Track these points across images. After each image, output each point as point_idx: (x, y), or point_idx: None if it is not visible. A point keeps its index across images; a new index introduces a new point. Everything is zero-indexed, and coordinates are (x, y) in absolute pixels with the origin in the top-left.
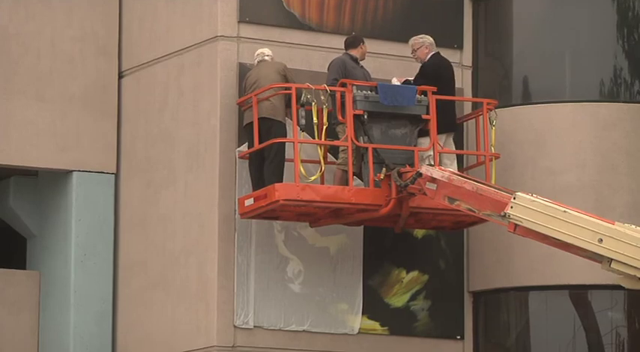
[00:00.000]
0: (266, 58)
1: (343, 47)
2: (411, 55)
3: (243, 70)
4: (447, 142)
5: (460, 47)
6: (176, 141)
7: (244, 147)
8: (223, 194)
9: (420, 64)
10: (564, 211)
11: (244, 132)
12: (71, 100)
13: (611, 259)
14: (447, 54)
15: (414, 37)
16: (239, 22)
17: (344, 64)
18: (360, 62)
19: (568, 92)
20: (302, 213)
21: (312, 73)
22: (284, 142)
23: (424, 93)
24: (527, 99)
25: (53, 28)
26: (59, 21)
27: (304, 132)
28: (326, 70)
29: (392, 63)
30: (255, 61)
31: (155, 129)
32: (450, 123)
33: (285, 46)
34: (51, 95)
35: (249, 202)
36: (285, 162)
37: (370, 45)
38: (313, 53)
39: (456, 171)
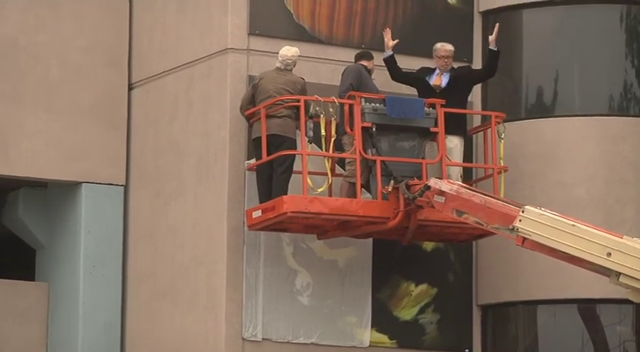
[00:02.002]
0: (288, 67)
1: (354, 60)
2: (443, 61)
3: (252, 83)
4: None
5: (470, 61)
6: (185, 152)
7: (254, 161)
8: (232, 206)
9: (449, 73)
10: (573, 225)
11: (253, 145)
12: (81, 111)
13: (620, 273)
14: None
15: (448, 44)
16: (249, 34)
17: (360, 71)
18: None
19: (577, 106)
20: (310, 225)
21: (320, 86)
22: (294, 157)
23: (432, 105)
24: (536, 113)
25: (63, 38)
26: (69, 32)
27: (312, 144)
28: (334, 83)
29: None
30: (277, 65)
31: (164, 140)
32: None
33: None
34: (60, 106)
35: (257, 214)
36: (293, 174)
37: (380, 57)
38: (322, 66)
39: (464, 184)
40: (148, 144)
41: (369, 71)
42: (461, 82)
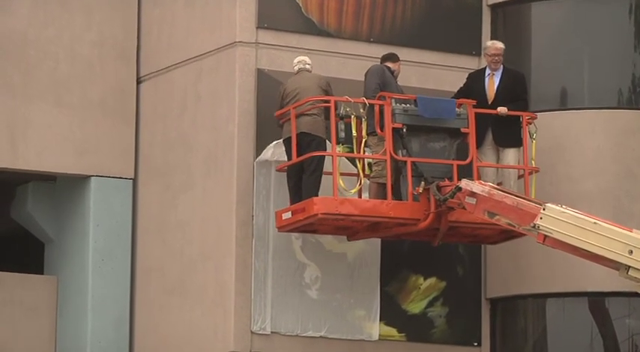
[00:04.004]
0: (307, 66)
1: (380, 60)
2: (493, 59)
3: (261, 76)
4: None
5: (478, 54)
6: (194, 146)
7: (266, 155)
8: (240, 199)
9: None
10: (594, 222)
11: (284, 146)
12: (90, 105)
13: (629, 266)
14: (465, 61)
15: (499, 42)
16: (257, 27)
17: (383, 71)
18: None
19: (587, 99)
20: (340, 227)
21: (329, 79)
22: (324, 157)
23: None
24: (545, 106)
25: (72, 32)
26: (78, 26)
27: (340, 145)
28: (343, 76)
29: (410, 69)
30: (296, 68)
31: (173, 134)
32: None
33: (304, 51)
34: (69, 100)
35: (286, 216)
36: (324, 175)
37: (389, 50)
38: (331, 59)
39: (495, 185)
40: (156, 137)
41: (393, 73)
42: (512, 89)
